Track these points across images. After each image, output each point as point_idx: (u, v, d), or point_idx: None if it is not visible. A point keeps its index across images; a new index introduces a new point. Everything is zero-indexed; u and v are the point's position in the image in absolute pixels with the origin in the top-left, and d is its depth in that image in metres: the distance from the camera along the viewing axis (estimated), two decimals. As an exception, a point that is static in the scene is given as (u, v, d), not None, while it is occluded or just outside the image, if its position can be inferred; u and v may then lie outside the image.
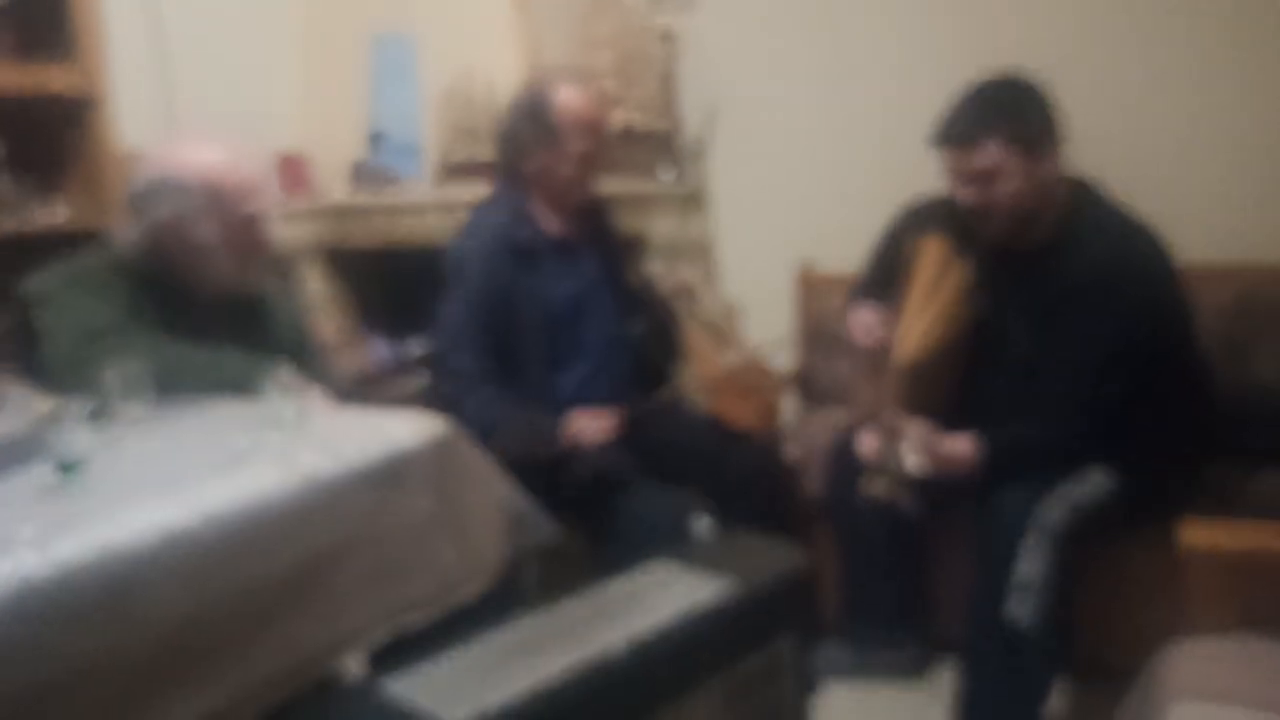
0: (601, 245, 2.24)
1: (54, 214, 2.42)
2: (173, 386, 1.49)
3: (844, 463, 1.96)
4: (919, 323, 1.88)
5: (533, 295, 2.06)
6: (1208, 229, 2.36)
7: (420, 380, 2.50)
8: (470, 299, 2.02)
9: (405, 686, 1.11)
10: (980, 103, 1.79)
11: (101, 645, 1.02)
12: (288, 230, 3.02)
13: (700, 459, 2.11)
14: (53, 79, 2.34)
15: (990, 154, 1.76)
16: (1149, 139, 2.50)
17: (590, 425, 1.97)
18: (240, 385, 1.52)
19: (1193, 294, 1.92)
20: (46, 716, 0.97)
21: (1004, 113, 1.77)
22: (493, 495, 1.43)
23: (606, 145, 2.19)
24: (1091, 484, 1.75)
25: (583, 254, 2.19)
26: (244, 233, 1.71)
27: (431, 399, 2.27)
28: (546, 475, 1.82)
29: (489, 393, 1.98)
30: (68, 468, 1.19)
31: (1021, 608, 1.67)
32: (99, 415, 1.33)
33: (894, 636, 2.03)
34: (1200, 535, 1.46)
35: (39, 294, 1.63)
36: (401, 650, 1.23)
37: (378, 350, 2.89)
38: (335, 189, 3.12)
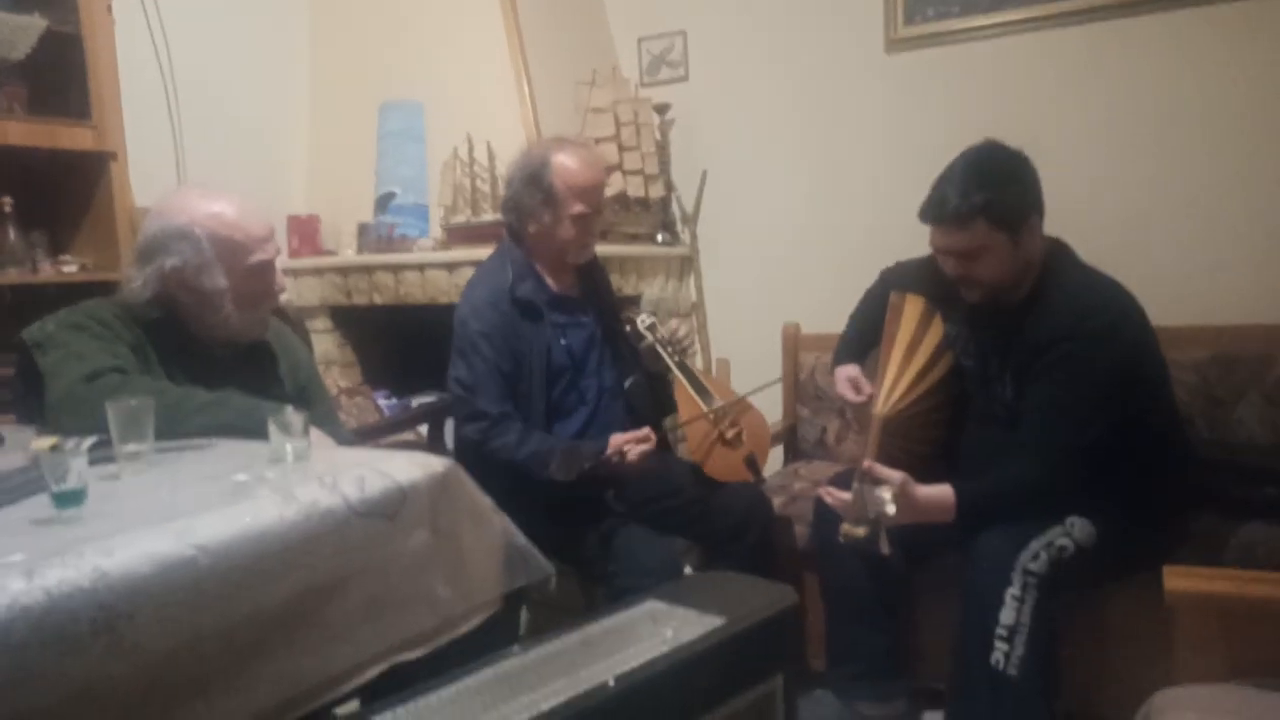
0: (599, 302, 2.30)
1: (65, 267, 2.47)
2: (175, 426, 1.50)
3: (829, 514, 1.98)
4: (899, 378, 1.94)
5: (535, 348, 2.12)
6: (1189, 294, 2.46)
7: (422, 435, 2.53)
8: (483, 349, 2.07)
9: (394, 720, 1.11)
10: (968, 182, 1.80)
11: (90, 673, 1.00)
12: (296, 288, 3.09)
13: (690, 508, 2.14)
14: (68, 136, 2.42)
15: (978, 235, 1.80)
16: (1136, 216, 2.62)
17: (633, 444, 2.00)
18: (243, 426, 1.54)
19: (1176, 352, 1.97)
20: (32, 744, 0.96)
21: (991, 195, 1.79)
22: (489, 532, 1.43)
23: (603, 209, 2.26)
24: (1073, 532, 1.77)
25: (582, 310, 2.25)
26: (251, 281, 1.73)
27: (435, 449, 2.30)
28: (561, 509, 1.85)
29: (519, 428, 2.04)
30: (63, 500, 1.19)
31: (1006, 656, 1.68)
32: (98, 450, 1.35)
33: (880, 687, 2.02)
34: (1185, 581, 1.47)
35: (42, 337, 1.63)
36: (391, 684, 1.23)
37: (381, 405, 2.92)
38: (344, 249, 3.19)
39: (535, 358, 2.11)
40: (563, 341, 2.17)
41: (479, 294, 2.14)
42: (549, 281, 2.21)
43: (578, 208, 2.12)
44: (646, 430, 2.03)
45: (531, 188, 2.13)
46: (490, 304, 2.10)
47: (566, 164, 2.12)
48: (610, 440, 2.01)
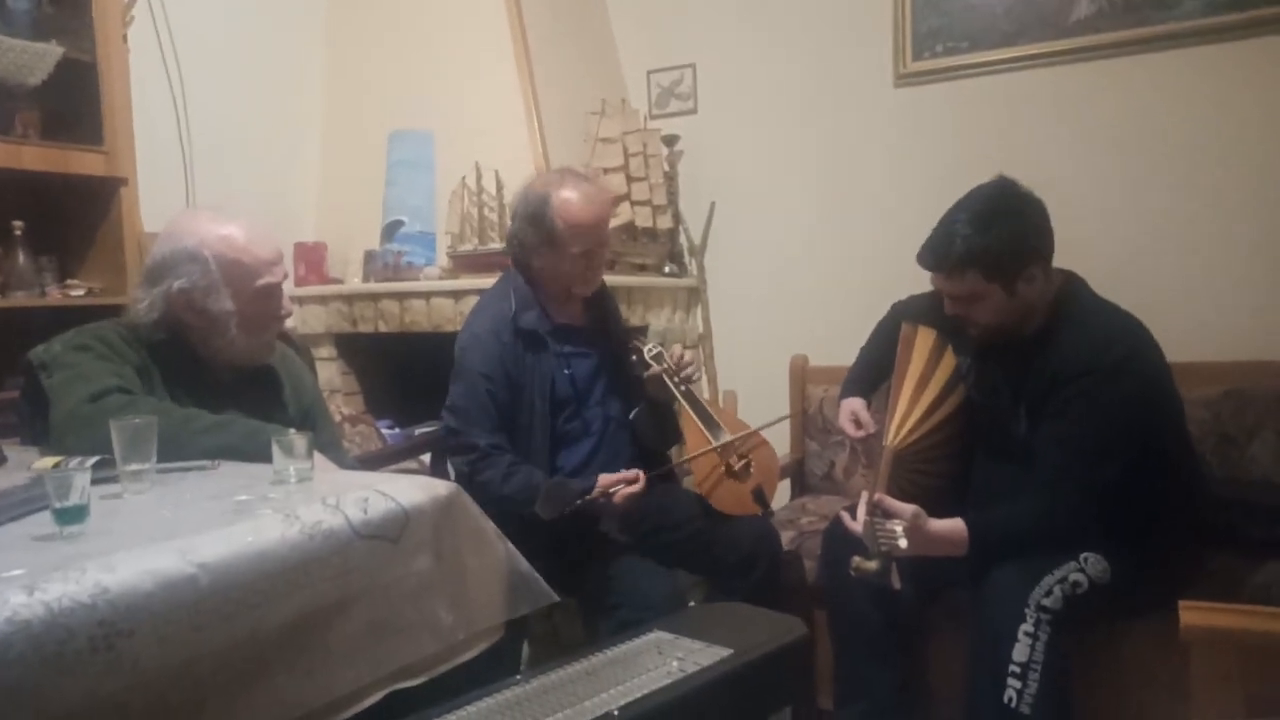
0: (605, 331, 2.29)
1: (72, 291, 2.47)
2: (179, 447, 1.49)
3: (837, 547, 1.96)
4: (910, 410, 1.92)
5: (539, 377, 2.10)
6: (1200, 329, 2.45)
7: (424, 464, 2.51)
8: (479, 379, 2.05)
9: (393, 748, 1.09)
10: (965, 230, 1.79)
11: (88, 691, 0.98)
12: (301, 315, 3.09)
13: (696, 540, 2.12)
14: (79, 161, 2.43)
15: (968, 283, 1.81)
16: (1146, 251, 2.62)
17: (620, 485, 1.97)
18: (247, 448, 1.53)
19: (1188, 389, 1.95)
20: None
21: (986, 245, 1.77)
22: (492, 558, 1.42)
23: (607, 243, 2.23)
24: (1086, 568, 1.74)
25: (587, 339, 2.23)
26: (257, 304, 1.73)
27: (438, 475, 2.28)
28: (563, 541, 1.82)
29: (508, 461, 2.01)
30: (65, 516, 1.18)
31: (1019, 693, 1.65)
32: (101, 470, 1.34)
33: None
34: (1202, 616, 1.44)
35: (47, 358, 1.63)
36: (390, 712, 1.20)
37: (384, 434, 2.90)
38: (350, 277, 3.20)
39: (538, 388, 2.09)
40: (566, 371, 2.15)
41: (480, 322, 2.13)
42: (554, 312, 2.19)
43: (579, 247, 2.09)
44: (636, 472, 1.98)
45: (532, 227, 2.10)
46: (492, 333, 2.09)
47: (568, 202, 2.08)
48: (598, 480, 1.97)
